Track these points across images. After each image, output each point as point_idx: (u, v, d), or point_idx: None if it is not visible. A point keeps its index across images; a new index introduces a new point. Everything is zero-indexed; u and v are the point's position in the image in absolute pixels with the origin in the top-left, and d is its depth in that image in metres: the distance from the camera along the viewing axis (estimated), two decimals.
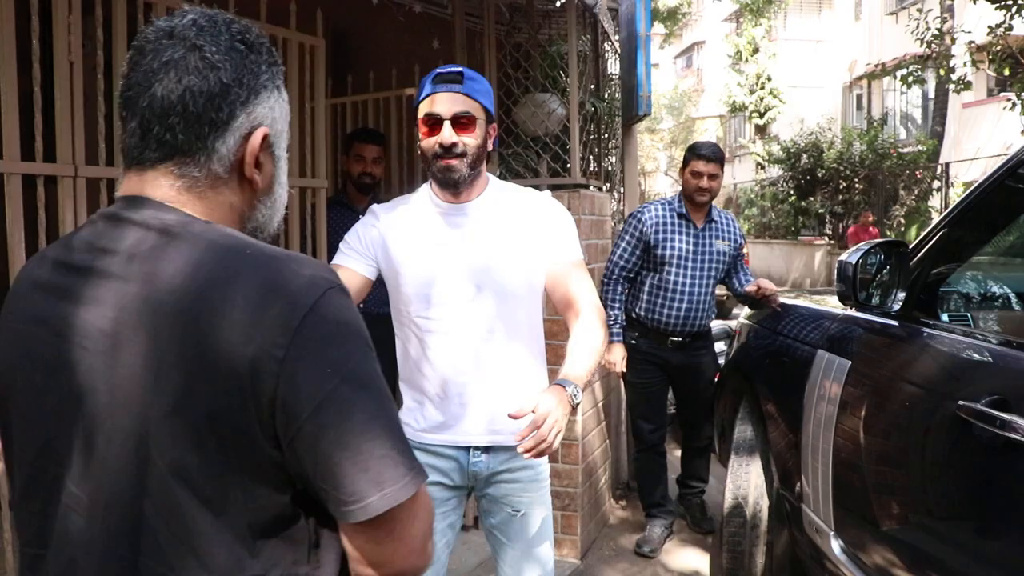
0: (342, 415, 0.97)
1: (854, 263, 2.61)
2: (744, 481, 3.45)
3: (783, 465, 3.05)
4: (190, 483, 0.97)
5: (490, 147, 2.22)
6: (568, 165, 4.23)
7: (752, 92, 26.71)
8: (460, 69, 2.15)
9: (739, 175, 26.79)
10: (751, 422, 3.53)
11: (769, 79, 26.41)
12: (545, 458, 2.19)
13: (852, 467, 2.50)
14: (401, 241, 2.21)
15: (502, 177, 4.12)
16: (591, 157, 4.85)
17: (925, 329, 2.41)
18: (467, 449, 2.24)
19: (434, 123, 2.13)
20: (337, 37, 6.63)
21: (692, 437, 4.62)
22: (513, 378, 2.23)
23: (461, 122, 2.11)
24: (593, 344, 2.13)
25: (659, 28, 24.96)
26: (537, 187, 2.51)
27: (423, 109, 2.15)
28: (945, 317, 2.62)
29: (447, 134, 2.11)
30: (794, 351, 3.14)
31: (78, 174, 2.55)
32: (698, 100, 33.32)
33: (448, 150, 2.11)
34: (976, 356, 2.15)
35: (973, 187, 2.41)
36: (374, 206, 2.31)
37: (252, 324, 0.96)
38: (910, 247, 2.62)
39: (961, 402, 1.94)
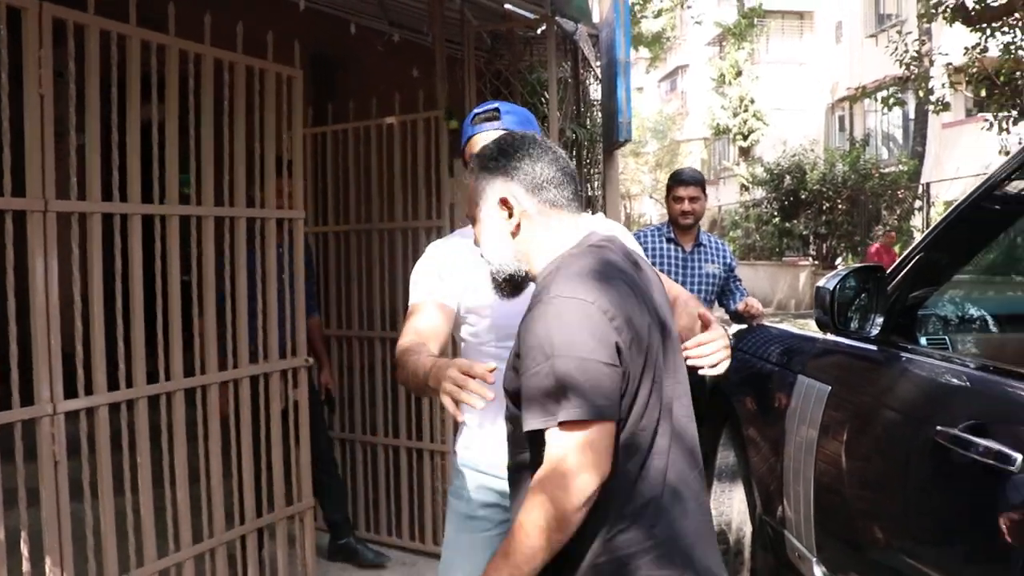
0: None
1: (831, 289, 2.60)
2: (727, 507, 3.43)
3: (765, 491, 3.03)
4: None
5: None
6: None
7: (736, 115, 26.87)
8: (495, 105, 2.07)
9: (724, 197, 26.89)
10: (733, 447, 3.51)
11: (752, 102, 26.58)
12: None
13: (834, 492, 2.48)
14: (472, 290, 2.09)
15: None
16: None
17: (903, 353, 2.41)
18: None
19: None
20: (320, 65, 6.64)
21: None
22: None
23: None
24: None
25: (644, 52, 25.12)
26: None
27: (468, 154, 2.05)
28: (923, 341, 2.62)
29: None
30: (775, 376, 3.13)
31: (48, 208, 2.52)
32: (683, 123, 33.49)
33: None
34: (954, 380, 2.15)
35: (949, 210, 2.41)
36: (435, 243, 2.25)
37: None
38: (888, 271, 2.62)
39: (939, 427, 1.93)
